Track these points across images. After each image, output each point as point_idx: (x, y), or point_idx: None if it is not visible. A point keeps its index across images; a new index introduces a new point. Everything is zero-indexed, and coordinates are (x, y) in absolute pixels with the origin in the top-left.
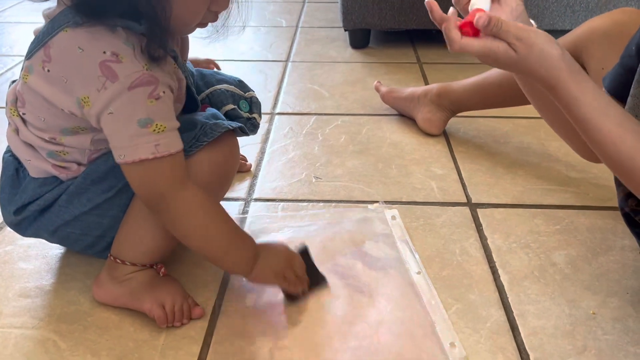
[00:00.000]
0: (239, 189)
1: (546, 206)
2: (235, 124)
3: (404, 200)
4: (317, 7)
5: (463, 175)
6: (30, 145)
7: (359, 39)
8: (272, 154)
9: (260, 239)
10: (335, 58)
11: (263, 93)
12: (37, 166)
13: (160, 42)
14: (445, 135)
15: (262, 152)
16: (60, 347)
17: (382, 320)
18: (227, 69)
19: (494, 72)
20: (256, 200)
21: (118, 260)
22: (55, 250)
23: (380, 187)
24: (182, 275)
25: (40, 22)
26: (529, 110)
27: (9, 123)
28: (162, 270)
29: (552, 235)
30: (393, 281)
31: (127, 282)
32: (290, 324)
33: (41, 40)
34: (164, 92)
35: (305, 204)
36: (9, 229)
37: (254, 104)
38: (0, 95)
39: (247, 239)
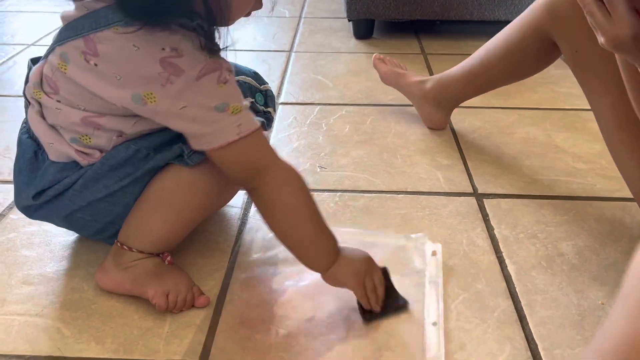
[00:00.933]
0: None
1: (553, 197)
2: (259, 119)
3: (409, 190)
4: None
5: (469, 165)
6: (54, 129)
7: (363, 30)
8: (276, 144)
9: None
10: (339, 48)
11: None
12: (59, 150)
13: (218, 41)
14: (450, 125)
15: None
16: (64, 334)
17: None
18: (230, 59)
19: (475, 58)
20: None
21: (125, 247)
22: (59, 237)
23: (386, 177)
24: (187, 265)
25: (40, 11)
26: (535, 101)
27: (31, 104)
28: (169, 259)
29: (559, 225)
30: (402, 327)
31: (132, 268)
32: (296, 313)
33: (80, 31)
34: (229, 74)
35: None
36: (11, 216)
37: (269, 97)
38: (2, 84)
39: (331, 232)
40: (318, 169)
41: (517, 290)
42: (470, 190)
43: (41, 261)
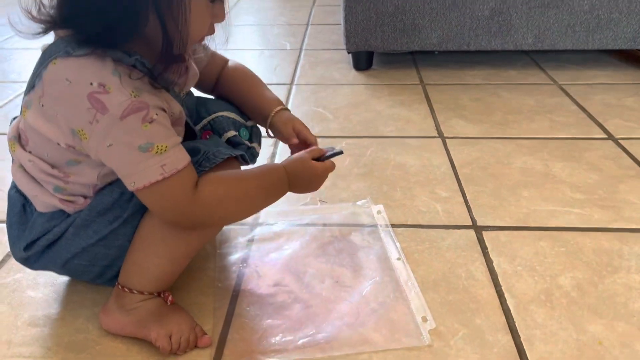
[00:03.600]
0: None
1: (551, 228)
2: (237, 152)
3: (409, 223)
4: (320, 30)
5: (467, 197)
6: (36, 181)
7: (362, 61)
8: None
9: (265, 243)
10: (338, 80)
11: None
12: (44, 201)
13: (164, 79)
14: (449, 156)
15: None
16: None
17: (363, 299)
18: None
19: None
20: (261, 224)
21: (126, 289)
22: (64, 278)
23: (386, 210)
24: (189, 304)
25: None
26: (533, 130)
27: (13, 159)
28: (170, 298)
29: (557, 257)
30: (374, 266)
31: (135, 310)
32: (299, 350)
33: (35, 73)
34: (156, 114)
35: (311, 228)
36: None
37: (254, 133)
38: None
39: (273, 172)
40: (319, 203)
41: (516, 324)
42: (469, 222)
43: (46, 302)
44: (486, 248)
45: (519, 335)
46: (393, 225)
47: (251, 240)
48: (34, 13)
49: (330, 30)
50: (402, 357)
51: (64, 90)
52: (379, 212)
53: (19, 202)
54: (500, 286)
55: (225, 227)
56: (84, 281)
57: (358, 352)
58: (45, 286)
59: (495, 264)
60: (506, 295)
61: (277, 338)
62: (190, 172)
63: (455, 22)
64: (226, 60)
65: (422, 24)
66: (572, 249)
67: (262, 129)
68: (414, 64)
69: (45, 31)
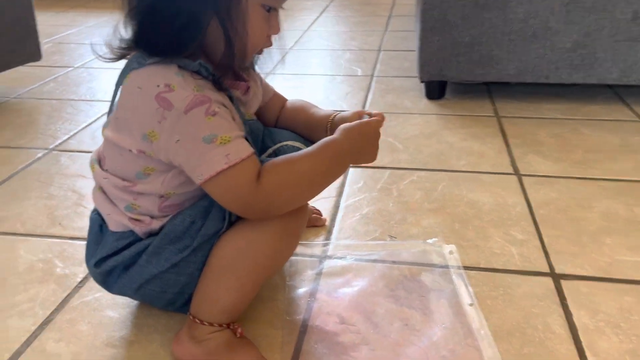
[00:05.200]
0: (314, 246)
1: (637, 282)
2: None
3: (482, 266)
4: (392, 56)
5: (545, 241)
6: (111, 201)
7: (435, 90)
8: (347, 209)
9: (333, 278)
10: (410, 109)
11: None
12: (116, 220)
13: (225, 85)
14: (525, 195)
15: (337, 206)
16: None
17: (433, 344)
18: None
19: None
20: (330, 257)
21: (197, 320)
22: None
23: (458, 250)
24: (257, 336)
25: None
26: (616, 171)
27: (95, 182)
28: (239, 330)
29: None
30: (445, 311)
31: (206, 342)
32: None
33: (114, 94)
34: (218, 107)
35: (380, 265)
36: None
37: None
38: (97, 140)
39: (326, 145)
40: (388, 239)
41: None
42: (546, 269)
43: (123, 323)
44: (565, 299)
45: None
46: (465, 267)
47: (319, 274)
48: (115, 45)
49: (402, 56)
50: None
51: (136, 98)
52: (450, 252)
53: (97, 223)
54: (580, 342)
55: (293, 258)
56: None
57: None
58: (123, 307)
59: (575, 318)
60: (587, 353)
61: None
62: (254, 162)
63: (534, 54)
64: (286, 99)
65: (499, 55)
66: None
67: None
68: (489, 94)
69: (123, 55)
